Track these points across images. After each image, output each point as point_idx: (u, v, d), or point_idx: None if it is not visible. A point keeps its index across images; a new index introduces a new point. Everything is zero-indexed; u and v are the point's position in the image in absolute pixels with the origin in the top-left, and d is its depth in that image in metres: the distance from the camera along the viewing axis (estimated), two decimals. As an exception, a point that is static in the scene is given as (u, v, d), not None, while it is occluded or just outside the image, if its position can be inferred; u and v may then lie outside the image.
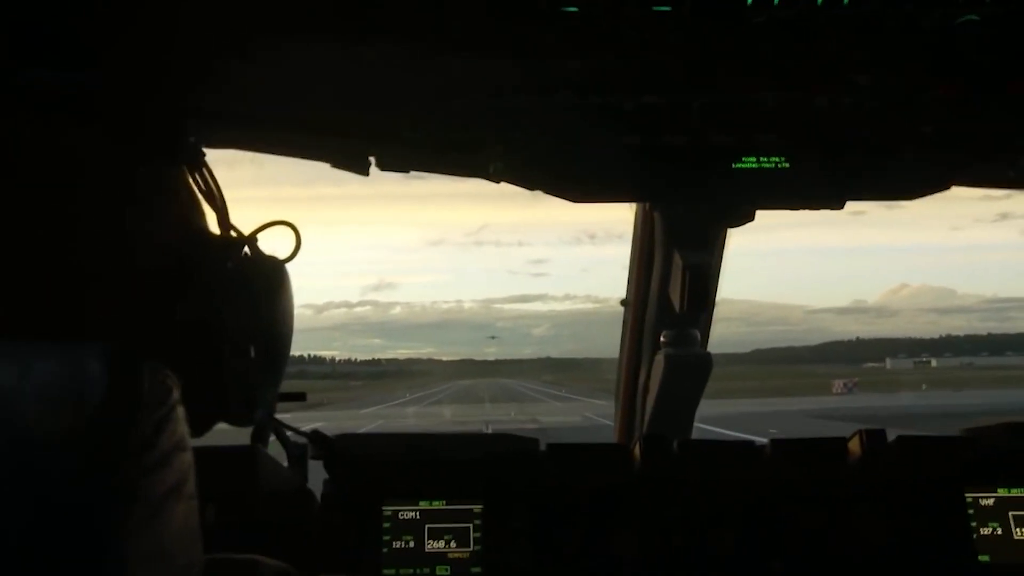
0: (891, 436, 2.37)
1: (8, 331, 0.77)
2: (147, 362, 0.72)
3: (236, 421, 1.07)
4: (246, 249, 1.05)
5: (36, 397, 0.67)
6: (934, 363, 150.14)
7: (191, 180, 1.02)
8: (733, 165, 1.90)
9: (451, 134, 1.95)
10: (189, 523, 0.75)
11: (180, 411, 0.75)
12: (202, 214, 1.02)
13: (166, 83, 1.59)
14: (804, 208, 2.04)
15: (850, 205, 2.02)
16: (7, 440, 0.65)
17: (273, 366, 1.06)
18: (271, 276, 1.07)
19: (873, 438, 2.32)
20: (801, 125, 1.86)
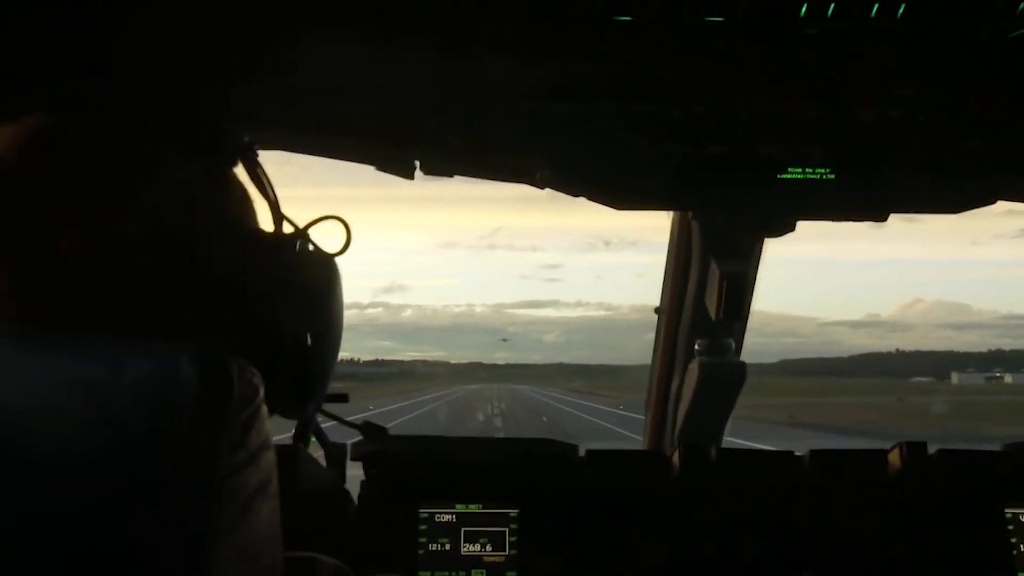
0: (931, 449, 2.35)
1: (70, 330, 0.78)
2: (235, 360, 0.74)
3: (289, 413, 1.08)
4: (298, 244, 1.07)
5: (130, 395, 0.68)
6: (1008, 379, 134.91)
7: (245, 177, 1.04)
8: (778, 175, 1.90)
9: (497, 139, 1.96)
10: (274, 521, 0.76)
11: (265, 410, 0.76)
12: (254, 211, 1.03)
13: (216, 85, 1.61)
14: (847, 219, 2.03)
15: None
16: (102, 438, 0.67)
17: (326, 359, 1.07)
18: (324, 270, 1.09)
19: (913, 451, 2.31)
20: (847, 137, 1.86)
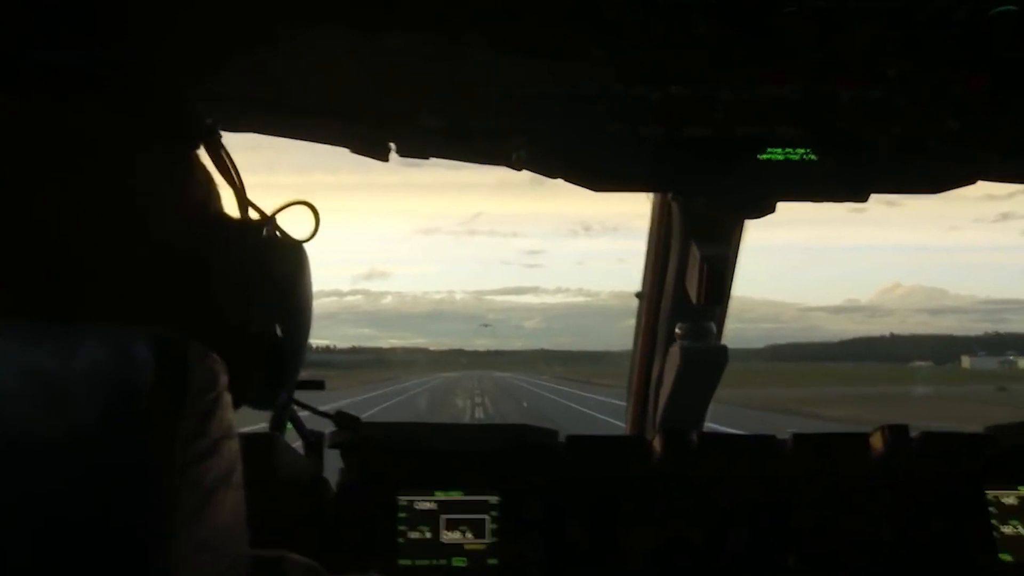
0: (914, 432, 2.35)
1: (30, 316, 0.76)
2: (194, 346, 0.71)
3: (259, 404, 1.06)
4: (265, 230, 1.04)
5: (82, 382, 0.65)
6: (1022, 363, 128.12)
7: (208, 161, 1.01)
8: (758, 156, 1.88)
9: (473, 122, 1.94)
10: (238, 514, 0.74)
11: (227, 397, 0.73)
12: (219, 196, 1.00)
13: (184, 66, 1.58)
14: (828, 200, 2.02)
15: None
16: (53, 426, 0.64)
17: (296, 347, 1.05)
18: (292, 256, 1.06)
19: (895, 434, 2.31)
20: (828, 117, 1.85)
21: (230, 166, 1.03)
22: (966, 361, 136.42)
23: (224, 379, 0.73)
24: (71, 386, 0.65)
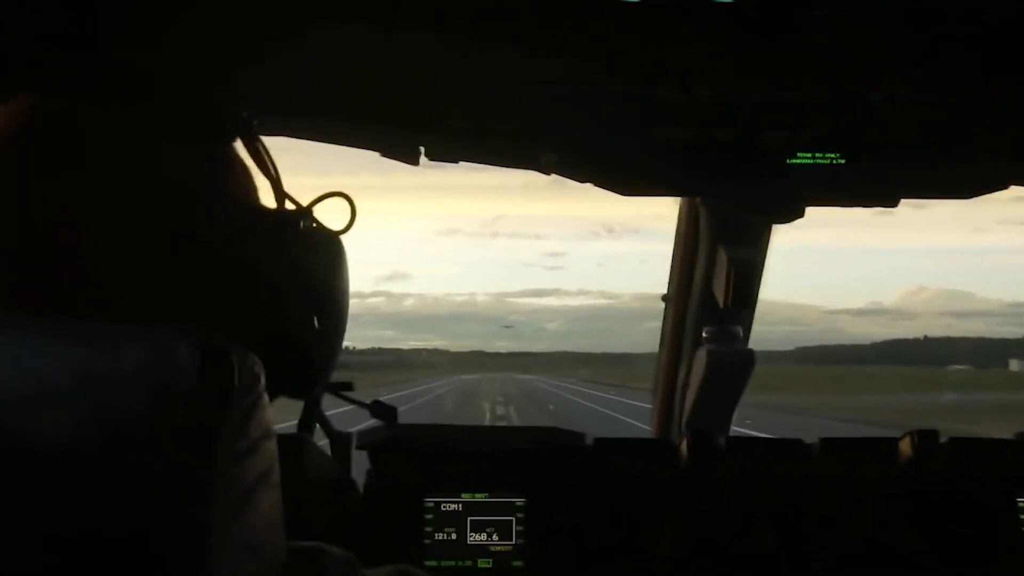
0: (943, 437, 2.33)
1: (74, 315, 0.77)
2: (235, 347, 0.72)
3: (298, 394, 1.06)
4: (302, 222, 1.05)
5: (127, 382, 0.66)
6: None
7: (245, 154, 1.02)
8: (787, 160, 1.87)
9: (502, 124, 1.94)
10: (275, 512, 0.75)
11: (266, 397, 0.75)
12: (256, 189, 1.01)
13: (220, 68, 1.60)
14: (857, 205, 2.02)
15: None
16: (99, 426, 0.65)
17: (333, 339, 1.06)
18: (329, 248, 1.07)
19: (925, 439, 2.29)
20: (857, 121, 1.84)
21: (267, 159, 1.04)
22: (1015, 364, 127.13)
23: (263, 379, 0.74)
24: (115, 386, 0.66)
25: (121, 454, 0.65)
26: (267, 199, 1.05)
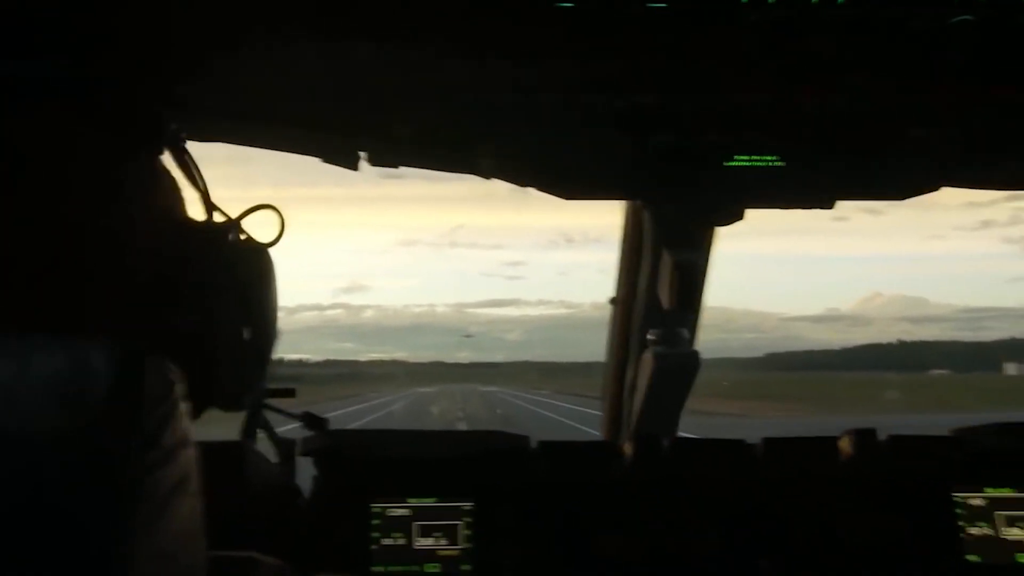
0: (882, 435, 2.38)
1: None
2: (149, 356, 0.71)
3: (226, 406, 1.06)
4: (230, 234, 1.05)
5: (37, 393, 0.66)
6: None
7: (173, 167, 1.01)
8: (724, 163, 1.90)
9: (442, 130, 1.94)
10: (193, 521, 0.74)
11: (183, 406, 0.74)
12: (184, 201, 1.01)
13: (153, 75, 1.58)
14: (795, 207, 2.04)
15: (833, 211, 2.03)
16: (7, 437, 0.64)
17: (262, 350, 1.06)
18: (257, 260, 1.07)
19: (864, 437, 2.33)
20: (793, 124, 1.86)
21: (195, 171, 1.03)
22: (1011, 368, 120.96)
23: (180, 388, 0.74)
24: (25, 396, 0.65)
25: (29, 463, 0.64)
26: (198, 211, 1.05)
